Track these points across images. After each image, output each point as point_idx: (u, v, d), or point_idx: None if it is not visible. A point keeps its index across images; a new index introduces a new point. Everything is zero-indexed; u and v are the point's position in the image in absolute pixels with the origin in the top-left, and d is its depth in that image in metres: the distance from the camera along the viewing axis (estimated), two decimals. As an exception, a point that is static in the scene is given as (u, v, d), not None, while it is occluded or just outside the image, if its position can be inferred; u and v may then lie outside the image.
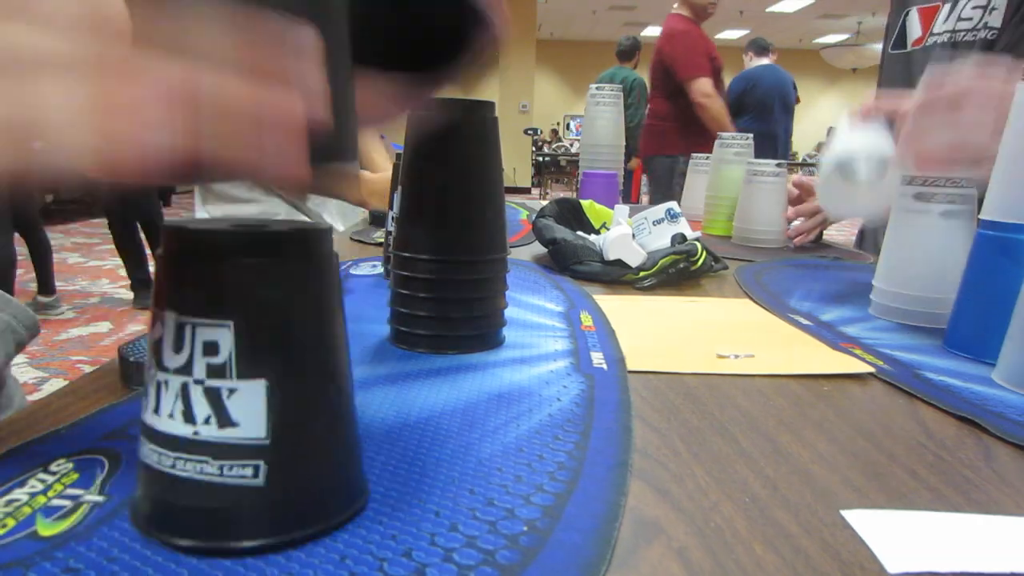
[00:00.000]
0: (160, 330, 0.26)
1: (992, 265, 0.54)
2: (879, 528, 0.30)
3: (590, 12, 11.60)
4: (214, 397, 0.25)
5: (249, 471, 0.26)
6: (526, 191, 10.01)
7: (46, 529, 0.27)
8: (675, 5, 3.13)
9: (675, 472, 0.35)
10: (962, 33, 1.12)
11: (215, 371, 0.25)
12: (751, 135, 1.26)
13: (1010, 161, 0.53)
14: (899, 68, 1.24)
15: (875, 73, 1.29)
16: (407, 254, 0.51)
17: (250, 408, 0.26)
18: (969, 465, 0.37)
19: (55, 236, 4.94)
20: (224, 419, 0.26)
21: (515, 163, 10.29)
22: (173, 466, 0.26)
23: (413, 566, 0.26)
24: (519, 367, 0.49)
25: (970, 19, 1.13)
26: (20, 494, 0.30)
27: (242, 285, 0.26)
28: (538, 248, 0.90)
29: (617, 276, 0.78)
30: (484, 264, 0.52)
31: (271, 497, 0.26)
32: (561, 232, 0.84)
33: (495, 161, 0.51)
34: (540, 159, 10.07)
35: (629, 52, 5.07)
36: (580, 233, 0.88)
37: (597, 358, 0.51)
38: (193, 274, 0.26)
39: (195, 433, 0.26)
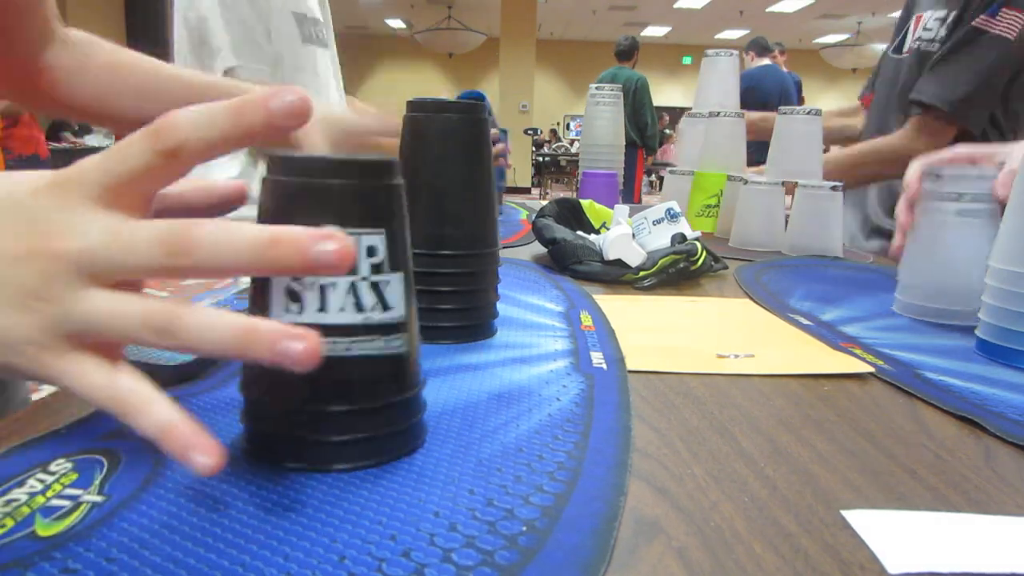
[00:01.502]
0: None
1: None
2: (879, 528, 0.30)
3: (590, 12, 11.60)
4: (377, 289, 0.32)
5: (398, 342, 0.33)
6: (526, 191, 10.01)
7: (45, 529, 0.27)
8: None
9: (675, 472, 0.35)
10: (924, 43, 1.14)
11: (376, 269, 0.32)
12: None
13: (1019, 210, 0.54)
14: (890, 72, 1.25)
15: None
16: None
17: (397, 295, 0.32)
18: (969, 465, 0.37)
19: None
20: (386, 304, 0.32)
21: (515, 163, 10.29)
22: (348, 349, 0.31)
23: (412, 566, 0.26)
24: (519, 367, 0.49)
25: (931, 29, 1.14)
26: (19, 494, 0.30)
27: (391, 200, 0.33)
28: (538, 248, 0.90)
29: (617, 276, 0.77)
30: (477, 258, 0.54)
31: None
32: (561, 232, 0.84)
33: (487, 159, 0.54)
34: (540, 159, 10.07)
35: (628, 52, 5.06)
36: (580, 233, 0.88)
37: (597, 358, 0.51)
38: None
39: (366, 319, 0.32)
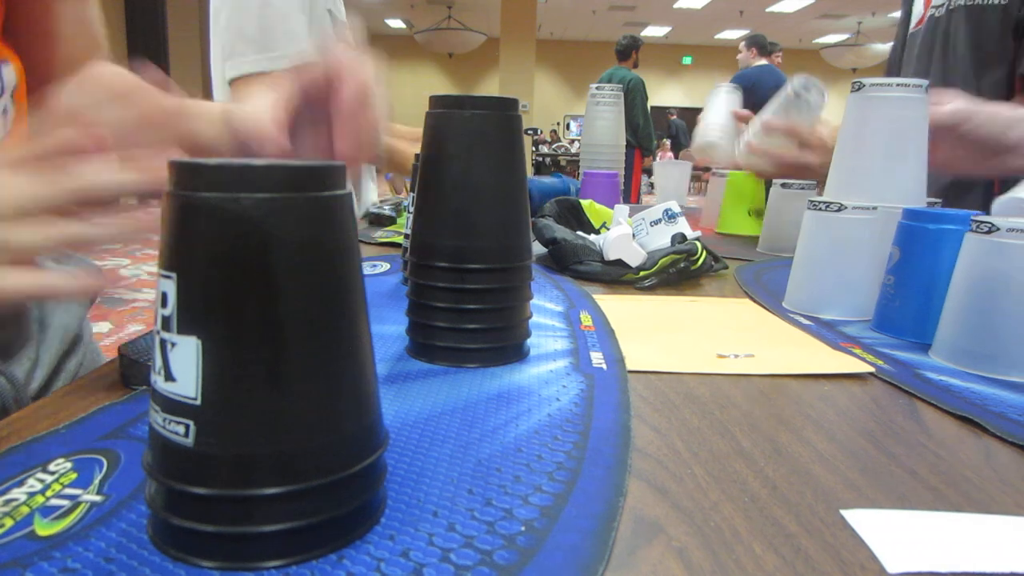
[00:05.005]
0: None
1: (914, 251, 0.59)
2: (879, 528, 0.30)
3: (590, 12, 11.60)
4: (162, 350, 0.25)
5: (181, 428, 0.25)
6: (526, 191, 9.98)
7: (44, 529, 0.27)
8: None
9: (675, 472, 0.35)
10: None
11: (164, 324, 0.25)
12: None
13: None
14: (906, 50, 1.17)
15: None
16: (424, 261, 0.49)
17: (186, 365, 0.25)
18: (969, 465, 0.37)
19: (55, 236, 4.91)
20: (167, 374, 0.25)
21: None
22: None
23: (411, 566, 0.26)
24: (518, 367, 0.49)
25: None
26: (18, 493, 0.30)
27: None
28: (538, 248, 0.90)
29: (617, 276, 0.77)
30: (508, 272, 0.49)
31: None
32: (561, 232, 0.84)
33: (519, 162, 0.49)
34: (540, 159, 10.07)
35: (624, 51, 5.05)
36: (580, 233, 0.88)
37: (596, 358, 0.51)
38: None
39: (154, 381, 0.26)
